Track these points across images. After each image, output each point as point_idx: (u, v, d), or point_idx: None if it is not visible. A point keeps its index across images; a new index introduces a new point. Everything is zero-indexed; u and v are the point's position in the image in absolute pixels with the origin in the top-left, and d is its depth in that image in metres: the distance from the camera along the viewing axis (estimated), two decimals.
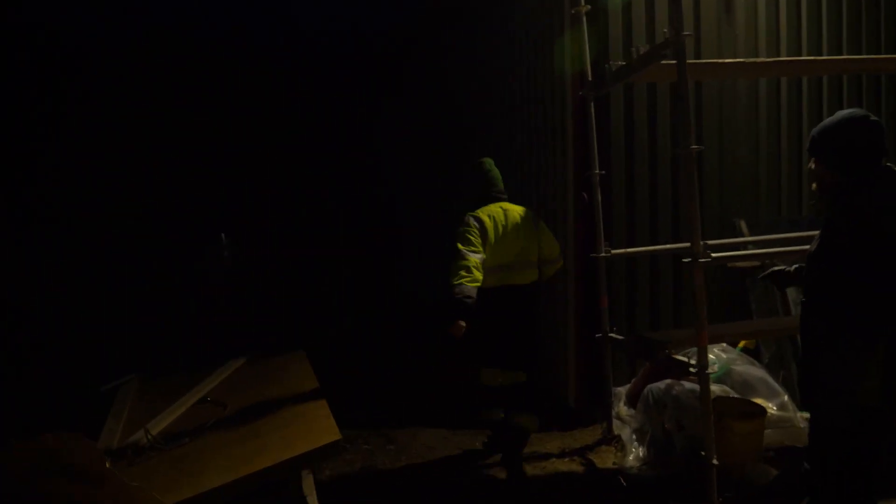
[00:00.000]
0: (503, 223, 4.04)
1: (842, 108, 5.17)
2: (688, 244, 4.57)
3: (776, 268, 3.03)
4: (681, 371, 3.71)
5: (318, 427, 3.37)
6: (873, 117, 2.46)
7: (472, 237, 3.92)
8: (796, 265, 2.97)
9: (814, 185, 2.61)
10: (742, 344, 4.79)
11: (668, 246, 4.47)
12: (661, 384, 4.24)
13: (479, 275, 3.86)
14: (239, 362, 4.94)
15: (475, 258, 3.87)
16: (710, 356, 4.50)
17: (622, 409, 4.64)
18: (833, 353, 2.39)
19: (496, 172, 4.26)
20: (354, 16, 11.80)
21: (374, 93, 12.24)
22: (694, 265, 3.20)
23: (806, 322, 2.54)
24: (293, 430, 3.40)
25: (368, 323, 9.43)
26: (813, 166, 2.57)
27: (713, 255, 3.24)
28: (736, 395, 4.30)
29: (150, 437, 3.61)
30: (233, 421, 3.72)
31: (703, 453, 3.40)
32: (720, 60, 4.00)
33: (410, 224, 10.36)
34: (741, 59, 4.10)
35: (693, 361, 3.55)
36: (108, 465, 2.44)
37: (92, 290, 9.38)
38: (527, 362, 4.15)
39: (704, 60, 3.91)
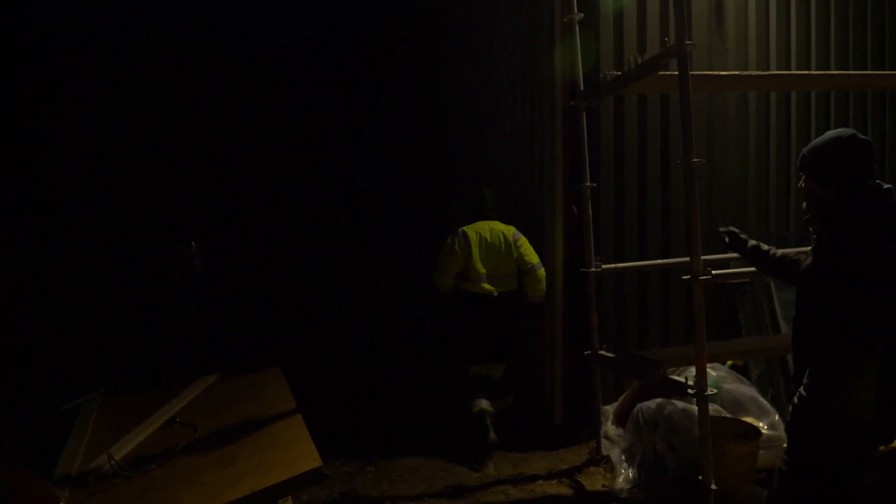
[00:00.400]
0: (487, 238, 4.69)
1: (829, 122, 5.24)
2: (678, 259, 4.54)
3: (740, 234, 3.09)
4: (674, 391, 3.59)
5: (296, 452, 3.16)
6: (861, 136, 2.55)
7: (450, 255, 4.69)
8: (752, 244, 3.03)
9: (804, 204, 2.68)
10: (730, 361, 4.70)
11: (660, 261, 4.37)
12: (652, 403, 4.11)
13: (447, 282, 4.78)
14: (211, 379, 4.69)
15: (445, 269, 4.74)
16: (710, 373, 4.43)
17: (610, 428, 4.50)
18: (824, 360, 2.40)
19: (490, 195, 4.91)
20: (353, 17, 11.69)
21: (370, 94, 12.08)
22: (694, 283, 3.08)
23: (798, 329, 2.57)
24: (269, 456, 3.18)
25: (359, 325, 9.21)
26: (803, 184, 2.65)
27: (714, 272, 3.13)
28: (728, 415, 4.20)
29: (113, 462, 3.36)
30: (204, 445, 3.49)
31: (699, 478, 3.27)
32: (716, 72, 3.92)
33: (407, 225, 10.14)
34: (737, 72, 4.03)
35: (690, 382, 3.43)
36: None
37: (71, 293, 8.99)
38: (508, 355, 4.82)
39: (699, 72, 3.81)
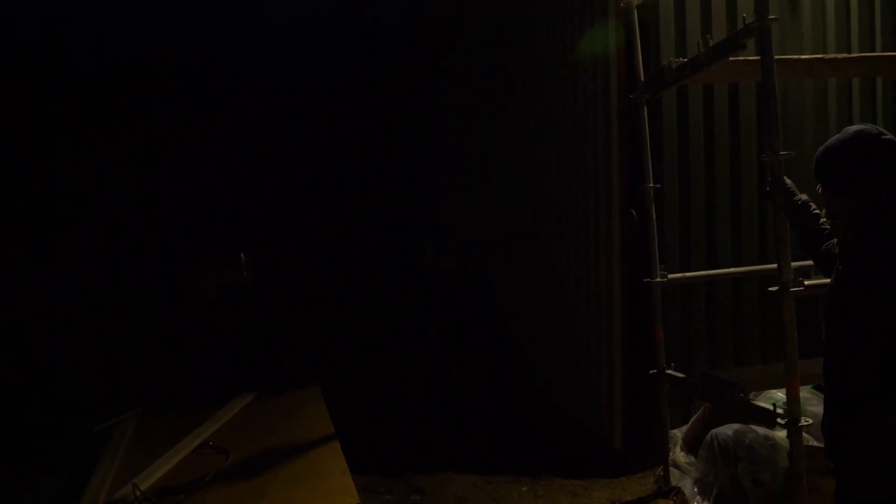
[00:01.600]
0: None
1: None
2: (752, 268, 4.09)
3: (812, 208, 2.62)
4: (759, 419, 3.15)
5: (331, 486, 2.87)
6: (887, 135, 2.13)
7: None
8: (804, 199, 2.63)
9: (824, 211, 2.40)
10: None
11: (732, 270, 3.93)
12: (729, 430, 3.67)
13: None
14: (247, 398, 4.47)
15: None
16: (780, 395, 3.96)
17: (679, 455, 4.07)
18: (868, 417, 2.14)
19: None
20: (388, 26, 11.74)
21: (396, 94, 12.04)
22: (784, 295, 2.65)
23: (829, 362, 2.27)
24: (303, 491, 2.90)
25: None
26: (820, 190, 2.30)
27: (806, 282, 2.70)
28: (815, 443, 3.72)
29: (138, 493, 3.13)
30: (235, 474, 3.24)
31: None
32: (796, 56, 3.48)
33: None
34: (820, 55, 3.57)
35: (771, 406, 3.00)
36: None
37: (111, 307, 9.01)
38: None
39: (777, 56, 3.37)
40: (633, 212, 4.16)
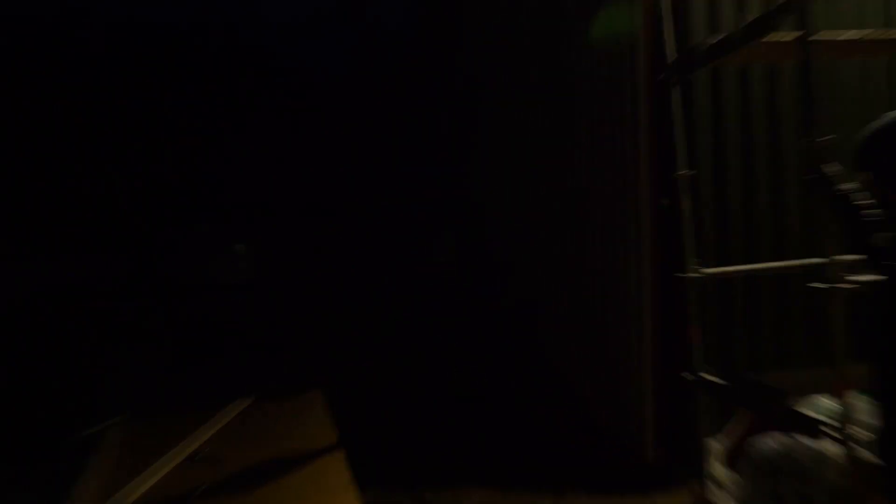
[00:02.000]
0: None
1: None
2: (796, 262, 3.74)
3: (858, 197, 2.28)
4: (810, 431, 2.83)
5: (335, 502, 2.63)
6: None
7: None
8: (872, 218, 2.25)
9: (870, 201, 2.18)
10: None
11: (773, 264, 3.60)
12: (772, 441, 3.34)
13: None
14: (243, 404, 4.27)
15: None
16: (827, 402, 3.63)
17: (717, 467, 3.74)
18: None
19: None
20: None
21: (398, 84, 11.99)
22: (831, 294, 2.34)
23: (888, 377, 2.06)
24: None
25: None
26: (865, 179, 2.15)
27: (855, 278, 2.38)
28: (868, 456, 3.37)
29: None
30: (229, 486, 3.04)
31: None
32: (837, 34, 3.16)
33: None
34: (868, 31, 3.25)
35: (828, 419, 2.68)
36: None
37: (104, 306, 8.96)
38: None
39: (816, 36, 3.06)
40: (665, 201, 3.86)
